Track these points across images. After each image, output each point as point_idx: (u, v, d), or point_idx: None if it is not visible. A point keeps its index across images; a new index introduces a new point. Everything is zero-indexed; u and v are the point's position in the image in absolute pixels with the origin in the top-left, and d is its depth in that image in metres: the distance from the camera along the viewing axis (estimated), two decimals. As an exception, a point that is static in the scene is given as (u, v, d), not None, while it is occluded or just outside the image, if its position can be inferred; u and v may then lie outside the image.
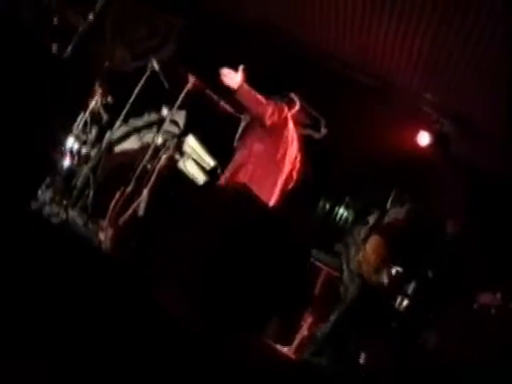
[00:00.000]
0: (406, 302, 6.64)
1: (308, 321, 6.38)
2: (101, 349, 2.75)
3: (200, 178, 6.18)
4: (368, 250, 5.91)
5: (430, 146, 7.80)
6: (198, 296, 3.82)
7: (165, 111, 6.15)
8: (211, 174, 6.21)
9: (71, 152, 6.09)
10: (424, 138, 7.80)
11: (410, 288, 6.66)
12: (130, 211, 5.90)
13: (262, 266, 4.41)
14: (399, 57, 7.12)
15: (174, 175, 6.10)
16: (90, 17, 4.58)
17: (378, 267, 5.86)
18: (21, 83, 3.61)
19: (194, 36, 7.31)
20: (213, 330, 3.49)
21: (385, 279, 5.79)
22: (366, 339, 6.20)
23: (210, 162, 6.35)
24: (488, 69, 6.48)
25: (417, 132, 7.83)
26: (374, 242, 5.95)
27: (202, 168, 6.26)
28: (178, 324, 3.24)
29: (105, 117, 6.26)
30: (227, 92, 6.34)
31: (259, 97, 5.36)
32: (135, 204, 5.91)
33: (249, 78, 5.68)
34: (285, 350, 6.26)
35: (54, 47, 4.79)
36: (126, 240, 5.37)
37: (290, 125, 5.67)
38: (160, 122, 6.18)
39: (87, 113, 6.15)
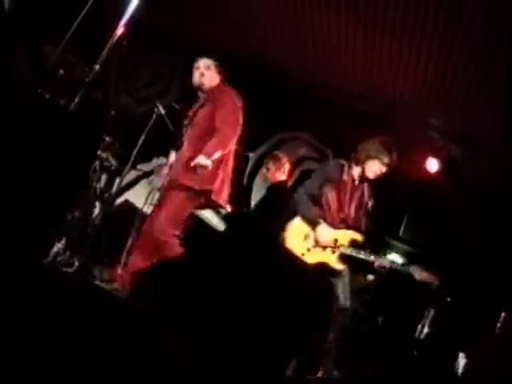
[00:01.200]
0: (426, 331, 6.59)
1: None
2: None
3: (214, 221, 6.19)
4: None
5: (440, 171, 7.80)
6: (216, 348, 3.80)
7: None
8: (228, 218, 6.22)
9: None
10: (433, 165, 7.79)
11: (430, 316, 6.62)
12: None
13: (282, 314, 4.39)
14: (403, 82, 7.14)
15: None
16: (96, 67, 4.62)
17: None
18: (33, 141, 3.64)
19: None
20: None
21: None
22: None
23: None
24: (492, 88, 6.49)
25: (425, 159, 7.83)
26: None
27: (216, 211, 6.27)
28: (198, 379, 3.23)
29: (113, 164, 6.28)
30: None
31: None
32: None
33: (251, 115, 5.72)
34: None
35: (63, 101, 4.84)
36: (142, 287, 5.37)
37: None
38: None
39: (96, 161, 6.18)
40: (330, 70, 7.50)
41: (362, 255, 5.39)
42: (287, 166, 7.05)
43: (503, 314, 6.25)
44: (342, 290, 5.42)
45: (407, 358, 6.41)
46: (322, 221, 5.54)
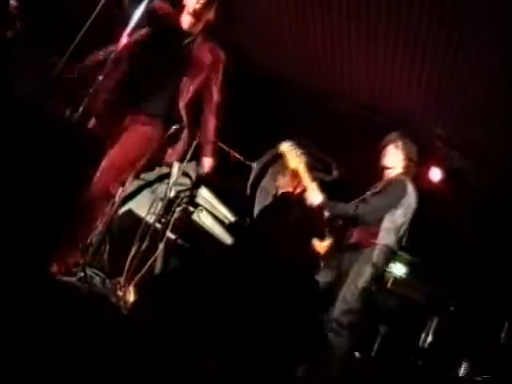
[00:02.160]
0: (429, 339, 6.59)
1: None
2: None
3: (216, 229, 6.19)
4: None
5: (443, 181, 7.79)
6: (220, 352, 3.80)
7: (176, 164, 6.17)
8: (231, 227, 6.23)
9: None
10: (436, 174, 7.79)
11: (433, 324, 6.62)
12: (147, 266, 5.90)
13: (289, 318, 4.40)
14: (408, 92, 7.16)
15: (188, 228, 6.11)
16: (99, 78, 4.57)
17: None
18: (36, 151, 3.64)
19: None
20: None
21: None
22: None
23: (227, 214, 6.36)
24: (497, 98, 6.50)
25: (428, 167, 7.82)
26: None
27: (218, 220, 6.27)
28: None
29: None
30: (235, 140, 6.39)
31: None
32: (152, 259, 5.92)
33: (254, 125, 5.70)
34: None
35: (67, 112, 4.83)
36: (144, 297, 5.36)
37: None
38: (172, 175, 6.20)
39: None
40: (335, 80, 7.52)
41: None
42: (302, 187, 7.06)
43: (507, 324, 6.26)
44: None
45: (411, 367, 6.40)
46: None
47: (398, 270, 7.67)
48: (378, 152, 5.78)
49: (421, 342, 6.63)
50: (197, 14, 4.87)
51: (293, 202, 6.92)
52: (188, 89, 5.03)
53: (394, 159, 5.65)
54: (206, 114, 5.41)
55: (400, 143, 5.63)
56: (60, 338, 2.93)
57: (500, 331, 6.32)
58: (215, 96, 5.34)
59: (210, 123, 5.46)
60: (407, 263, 7.70)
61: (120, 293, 5.45)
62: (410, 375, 6.19)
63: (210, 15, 4.98)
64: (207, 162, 5.55)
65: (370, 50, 6.62)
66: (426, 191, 7.74)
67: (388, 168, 5.66)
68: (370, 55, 6.71)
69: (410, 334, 6.74)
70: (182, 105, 5.00)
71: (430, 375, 6.22)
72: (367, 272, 5.21)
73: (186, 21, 4.91)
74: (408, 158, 5.61)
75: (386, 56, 6.65)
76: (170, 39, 4.93)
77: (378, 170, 5.80)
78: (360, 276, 5.21)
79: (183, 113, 5.04)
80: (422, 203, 7.64)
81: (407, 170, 5.61)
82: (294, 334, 4.56)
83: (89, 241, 5.87)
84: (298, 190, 7.04)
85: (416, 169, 5.68)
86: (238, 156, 6.45)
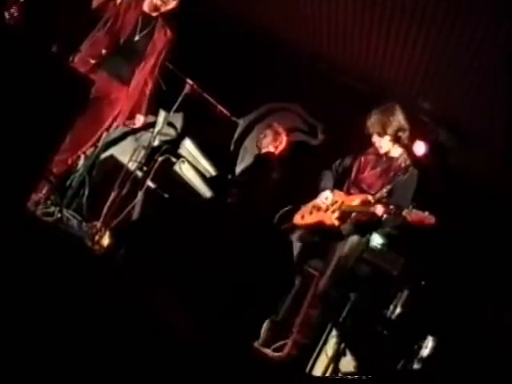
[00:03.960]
0: (398, 311, 6.64)
1: (299, 327, 6.34)
2: (91, 351, 2.74)
3: (197, 182, 6.18)
4: None
5: (426, 155, 7.79)
6: (192, 299, 3.82)
7: (162, 114, 6.14)
8: (211, 181, 6.23)
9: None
10: (420, 148, 7.78)
11: (403, 296, 6.66)
12: (124, 213, 5.90)
13: (257, 271, 4.41)
14: (398, 65, 7.12)
15: (169, 178, 6.11)
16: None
17: None
18: (19, 84, 3.60)
19: (193, 40, 7.31)
20: (206, 335, 3.48)
21: None
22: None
23: (209, 168, 6.36)
24: (487, 78, 6.48)
25: (413, 141, 7.82)
26: None
27: (200, 173, 6.27)
28: (172, 328, 3.23)
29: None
30: (223, 96, 6.36)
31: None
32: (130, 206, 5.92)
33: (246, 84, 5.70)
34: (275, 356, 6.23)
35: (54, 48, 4.81)
36: (119, 242, 5.36)
37: None
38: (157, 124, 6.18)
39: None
40: (328, 44, 7.46)
41: (358, 208, 5.42)
42: (284, 142, 7.04)
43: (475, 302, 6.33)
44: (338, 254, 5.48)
45: (376, 336, 6.45)
46: (333, 190, 5.65)
47: (375, 240, 7.72)
48: (361, 122, 5.78)
49: (389, 313, 6.67)
50: None
51: (273, 162, 6.92)
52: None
53: (384, 145, 5.66)
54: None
55: (380, 128, 5.62)
56: (33, 278, 2.93)
57: (469, 310, 6.38)
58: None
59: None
60: (384, 234, 7.74)
61: (96, 237, 5.45)
62: (374, 344, 6.25)
63: None
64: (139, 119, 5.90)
65: (365, 15, 6.57)
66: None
67: (386, 154, 5.71)
68: (365, 21, 6.66)
69: (379, 304, 6.78)
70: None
71: (393, 346, 6.28)
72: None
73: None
74: (395, 135, 5.60)
75: (381, 25, 6.60)
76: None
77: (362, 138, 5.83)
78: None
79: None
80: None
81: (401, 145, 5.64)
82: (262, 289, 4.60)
83: (68, 183, 5.87)
84: (279, 150, 7.04)
85: (408, 132, 5.75)
86: (226, 111, 6.41)
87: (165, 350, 2.99)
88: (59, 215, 5.48)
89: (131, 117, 5.83)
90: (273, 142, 6.98)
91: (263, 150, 7.03)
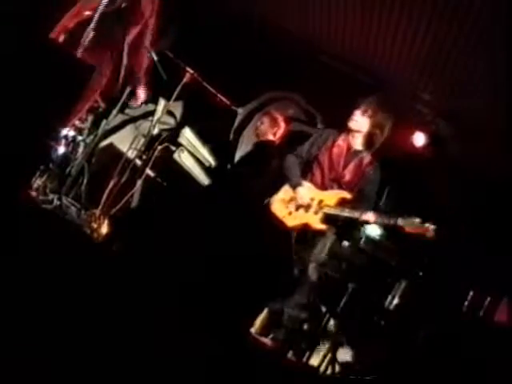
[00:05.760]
0: (395, 301, 6.65)
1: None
2: (89, 335, 2.75)
3: (196, 170, 6.19)
4: None
5: (426, 146, 7.80)
6: (190, 285, 3.83)
7: (162, 102, 6.15)
8: (210, 170, 6.24)
9: (66, 139, 6.07)
10: (419, 139, 7.79)
11: (401, 287, 6.68)
12: (123, 201, 5.91)
13: (255, 260, 4.43)
14: (398, 55, 7.10)
15: (168, 166, 6.11)
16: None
17: None
18: (16, 69, 3.61)
19: (193, 29, 7.30)
20: (204, 319, 3.50)
21: None
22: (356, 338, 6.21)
23: (208, 157, 6.36)
24: (487, 69, 6.47)
25: (412, 132, 7.82)
26: None
27: (199, 161, 6.27)
28: (170, 313, 3.25)
29: (101, 105, 6.24)
30: (224, 85, 6.35)
31: None
32: (129, 194, 5.92)
33: (246, 73, 5.70)
34: (274, 344, 6.24)
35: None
36: (118, 230, 5.37)
37: None
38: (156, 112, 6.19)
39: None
40: (328, 34, 7.45)
41: (346, 213, 5.42)
42: (282, 127, 7.04)
43: (471, 294, 6.33)
44: (319, 251, 5.49)
45: (374, 326, 6.47)
46: (303, 182, 5.56)
47: (372, 230, 7.72)
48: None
49: (386, 304, 6.69)
50: None
51: (272, 150, 6.91)
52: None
53: (360, 125, 5.67)
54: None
55: (370, 111, 5.62)
56: (32, 264, 2.94)
57: (464, 302, 6.40)
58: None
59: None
60: (382, 224, 7.75)
61: (94, 225, 5.46)
62: (371, 334, 6.27)
63: None
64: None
65: (365, 5, 6.55)
66: (407, 155, 7.78)
67: (354, 131, 5.69)
68: (365, 11, 6.64)
69: (377, 295, 6.80)
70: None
71: (390, 337, 6.31)
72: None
73: None
74: (374, 126, 5.62)
75: (382, 15, 6.59)
76: None
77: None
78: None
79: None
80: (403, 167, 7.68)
81: (371, 140, 5.62)
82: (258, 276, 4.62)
83: (67, 171, 5.88)
84: (278, 136, 7.04)
85: (382, 138, 5.67)
86: (225, 100, 6.41)
87: (160, 337, 3.00)
88: (58, 203, 5.50)
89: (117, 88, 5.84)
90: (271, 129, 6.98)
91: (262, 138, 7.02)
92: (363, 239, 6.54)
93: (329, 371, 5.73)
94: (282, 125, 7.05)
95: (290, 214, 5.61)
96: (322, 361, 5.85)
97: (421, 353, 6.05)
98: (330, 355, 5.87)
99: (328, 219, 5.47)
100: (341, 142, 5.73)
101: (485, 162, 7.66)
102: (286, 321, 5.54)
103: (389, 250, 6.72)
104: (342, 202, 5.47)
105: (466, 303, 6.38)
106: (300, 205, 5.58)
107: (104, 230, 5.42)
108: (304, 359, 5.78)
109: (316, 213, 5.50)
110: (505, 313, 5.87)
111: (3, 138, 3.63)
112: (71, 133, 6.07)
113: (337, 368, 5.79)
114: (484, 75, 6.57)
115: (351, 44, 7.44)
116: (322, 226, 5.46)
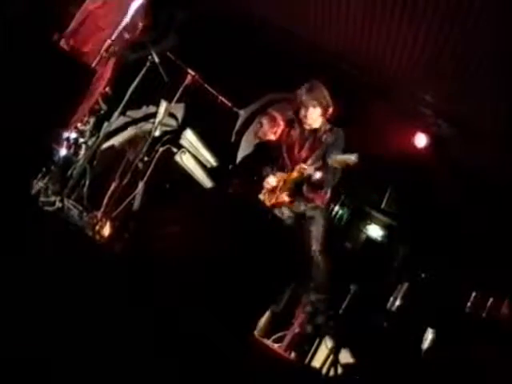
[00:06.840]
0: (398, 303, 6.65)
1: (300, 318, 6.35)
2: (91, 335, 2.76)
3: (197, 172, 6.19)
4: None
5: (428, 147, 7.81)
6: (193, 289, 3.84)
7: (163, 104, 6.15)
8: (212, 171, 6.26)
9: (68, 142, 6.07)
10: (421, 140, 7.80)
11: (403, 289, 6.68)
12: (125, 203, 5.91)
13: (258, 261, 4.43)
14: (401, 57, 7.11)
15: (170, 168, 6.11)
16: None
17: None
18: (19, 72, 3.62)
19: (195, 30, 7.30)
20: (208, 324, 3.50)
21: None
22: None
23: (209, 159, 6.37)
24: (489, 69, 6.48)
25: (414, 133, 7.83)
26: None
27: (200, 163, 6.28)
28: (173, 315, 3.25)
29: (103, 107, 6.24)
30: (225, 87, 6.35)
31: None
32: (131, 196, 5.92)
33: (247, 75, 5.71)
34: (275, 347, 6.24)
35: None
36: (120, 232, 5.38)
37: None
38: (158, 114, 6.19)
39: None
40: (329, 35, 7.45)
41: (298, 177, 5.90)
42: (281, 127, 7.03)
43: (474, 294, 6.32)
44: (315, 235, 5.88)
45: (377, 328, 6.47)
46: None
47: (374, 231, 7.73)
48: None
49: (389, 305, 6.69)
50: None
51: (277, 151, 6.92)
52: None
53: (315, 119, 6.07)
54: None
55: (315, 102, 6.02)
56: (34, 267, 2.94)
57: (466, 303, 6.39)
58: None
59: None
60: (384, 225, 7.75)
61: (96, 227, 5.46)
62: (373, 336, 6.27)
63: None
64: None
65: (367, 6, 6.56)
66: (409, 156, 7.78)
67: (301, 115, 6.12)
68: (367, 12, 6.65)
69: (380, 296, 6.80)
70: None
71: (393, 338, 6.30)
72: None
73: None
74: (326, 109, 6.07)
75: (384, 17, 6.59)
76: None
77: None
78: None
79: None
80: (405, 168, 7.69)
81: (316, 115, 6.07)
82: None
83: (69, 173, 5.88)
84: (278, 134, 7.07)
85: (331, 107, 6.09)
86: (227, 102, 6.41)
87: (161, 337, 3.00)
88: (60, 205, 5.50)
89: None
90: (270, 129, 6.98)
91: (263, 139, 7.03)
92: (365, 241, 6.60)
93: (331, 372, 5.72)
94: (282, 123, 7.06)
95: (268, 196, 6.17)
96: (325, 362, 5.86)
97: (423, 354, 6.05)
98: (332, 357, 5.87)
99: (292, 192, 5.96)
100: (292, 131, 6.20)
101: (486, 164, 7.65)
102: (318, 305, 5.97)
103: (391, 251, 6.74)
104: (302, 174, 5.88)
105: (469, 304, 6.37)
106: (270, 189, 6.11)
107: (106, 231, 5.42)
108: (306, 360, 5.79)
109: (282, 190, 6.00)
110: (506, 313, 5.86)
111: (6, 140, 3.63)
112: (73, 135, 6.08)
113: (339, 369, 5.78)
114: (486, 77, 6.58)
115: (353, 45, 7.44)
116: (285, 199, 5.98)
